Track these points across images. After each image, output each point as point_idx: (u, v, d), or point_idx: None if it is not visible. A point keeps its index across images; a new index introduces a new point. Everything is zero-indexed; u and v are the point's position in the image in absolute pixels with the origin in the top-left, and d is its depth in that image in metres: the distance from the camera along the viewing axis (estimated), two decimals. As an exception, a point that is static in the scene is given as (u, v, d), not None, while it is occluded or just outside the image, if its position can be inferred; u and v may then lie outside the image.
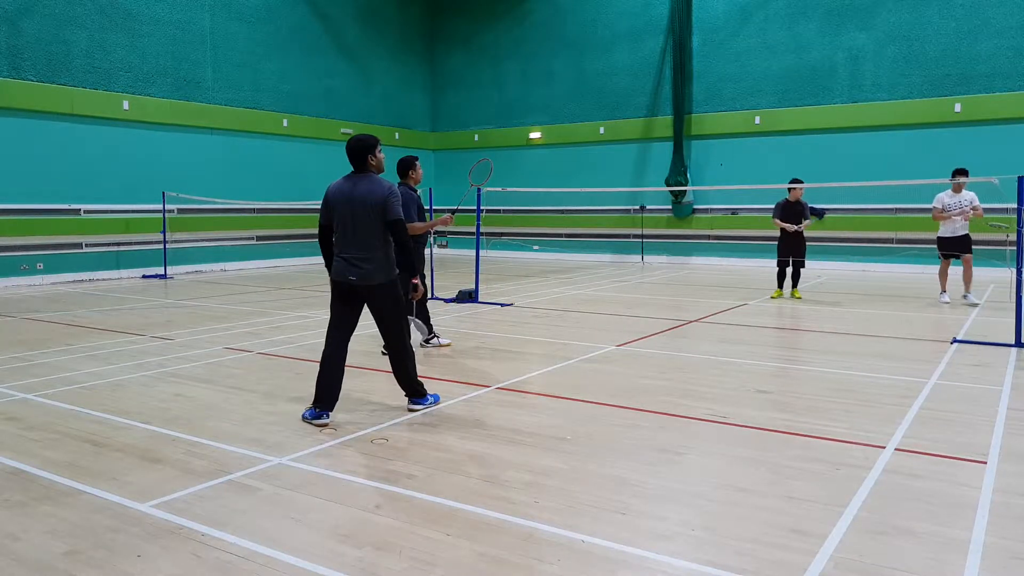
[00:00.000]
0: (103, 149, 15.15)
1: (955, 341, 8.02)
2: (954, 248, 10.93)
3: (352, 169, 5.14)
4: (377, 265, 5.04)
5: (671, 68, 19.31)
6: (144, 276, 15.74)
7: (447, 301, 11.31)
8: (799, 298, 11.78)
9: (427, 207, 10.81)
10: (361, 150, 5.08)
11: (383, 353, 7.27)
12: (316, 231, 5.34)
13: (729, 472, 4.12)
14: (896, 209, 16.67)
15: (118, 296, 12.49)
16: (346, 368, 5.23)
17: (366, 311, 5.26)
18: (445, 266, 17.50)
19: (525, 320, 9.72)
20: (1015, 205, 7.82)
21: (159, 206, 15.83)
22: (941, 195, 11.00)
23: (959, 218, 10.73)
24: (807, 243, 11.85)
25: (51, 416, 5.25)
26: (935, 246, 11.32)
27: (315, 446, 4.58)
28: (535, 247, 20.92)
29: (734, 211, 18.90)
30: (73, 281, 14.66)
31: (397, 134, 22.21)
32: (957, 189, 10.85)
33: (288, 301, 11.68)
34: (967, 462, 4.25)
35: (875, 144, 16.84)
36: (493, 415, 5.25)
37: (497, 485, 3.92)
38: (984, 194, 11.55)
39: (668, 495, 3.79)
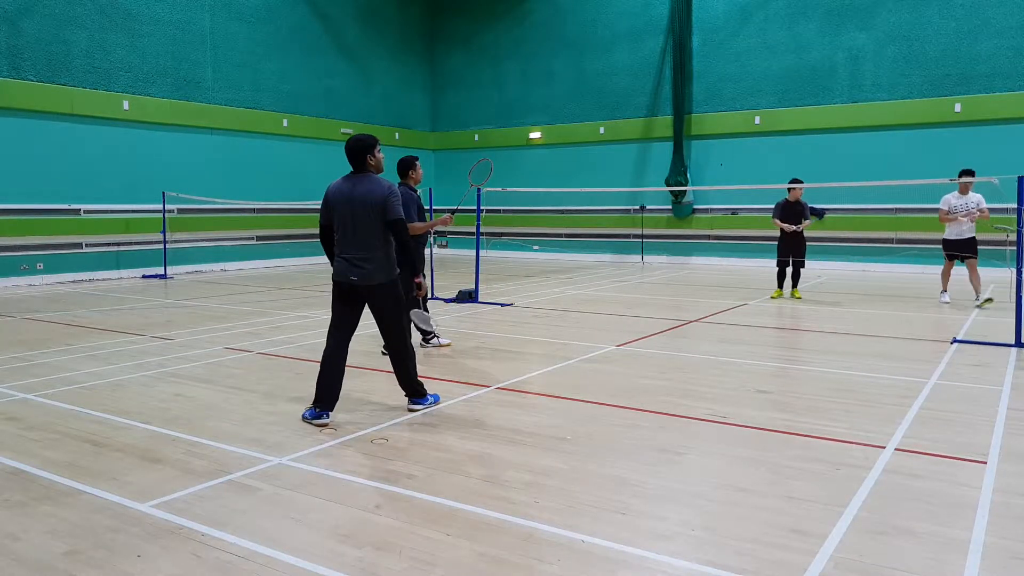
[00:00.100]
0: (103, 149, 15.15)
1: (955, 341, 8.02)
2: (959, 250, 10.79)
3: (351, 169, 5.15)
4: (378, 265, 5.04)
5: (671, 68, 19.31)
6: (144, 276, 15.74)
7: (447, 301, 11.31)
8: (799, 298, 11.78)
9: (427, 207, 10.82)
10: (360, 150, 5.08)
11: (383, 353, 7.27)
12: (316, 231, 5.34)
13: (729, 472, 4.12)
14: (896, 209, 16.68)
15: (118, 296, 12.49)
16: (346, 368, 5.23)
17: (367, 312, 5.26)
18: (445, 266, 17.50)
19: (525, 320, 9.72)
20: (1015, 205, 7.83)
21: (159, 206, 15.83)
22: (948, 196, 10.85)
23: (965, 220, 10.59)
24: (807, 243, 11.85)
25: (51, 416, 5.25)
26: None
27: (315, 446, 4.58)
28: (535, 247, 20.92)
29: (734, 211, 18.90)
30: (73, 281, 14.66)
31: (397, 134, 22.21)
32: (964, 191, 10.68)
33: (288, 301, 11.68)
34: (967, 462, 4.25)
35: (875, 144, 16.84)
36: (493, 415, 5.25)
37: (497, 485, 3.92)
38: (985, 194, 11.54)
39: (668, 495, 3.79)
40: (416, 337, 7.54)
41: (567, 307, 10.94)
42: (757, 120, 18.34)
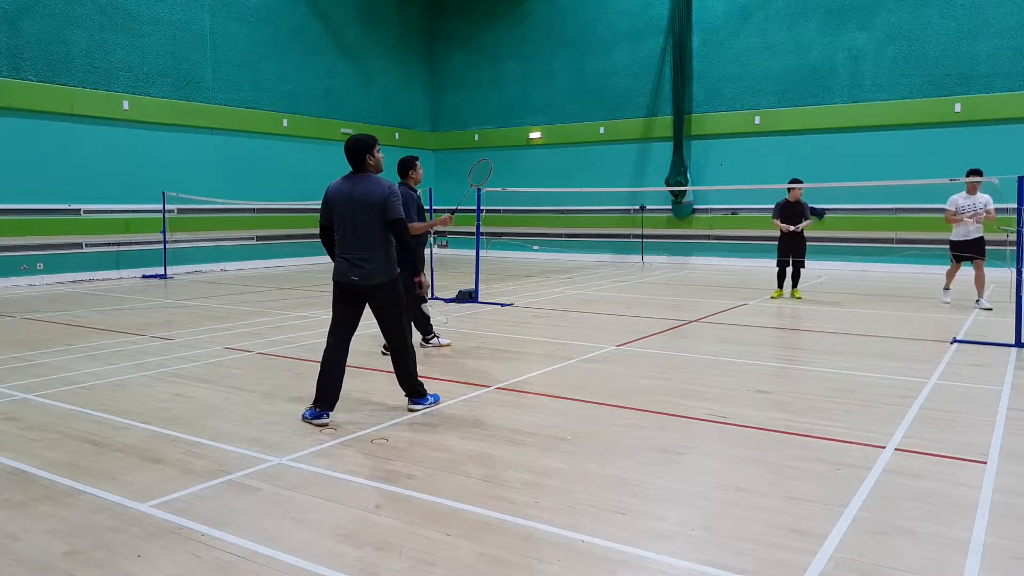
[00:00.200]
0: (103, 149, 15.15)
1: (955, 341, 8.02)
2: (966, 251, 10.53)
3: (351, 169, 5.15)
4: (378, 265, 5.04)
5: (671, 68, 19.31)
6: (144, 276, 15.74)
7: (447, 301, 11.31)
8: (799, 298, 11.78)
9: (427, 207, 10.82)
10: (359, 150, 5.08)
11: (383, 353, 7.28)
12: (316, 231, 5.34)
13: (729, 472, 4.12)
14: (896, 209, 16.67)
15: (118, 296, 12.49)
16: (346, 368, 5.23)
17: (367, 312, 5.26)
18: (445, 266, 17.50)
19: (525, 320, 9.72)
20: (1015, 205, 7.83)
21: (159, 206, 15.83)
22: (955, 197, 10.59)
23: (971, 221, 10.35)
24: (807, 243, 11.85)
25: (51, 416, 5.25)
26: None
27: (315, 446, 4.58)
28: (535, 247, 20.92)
29: (734, 211, 18.90)
30: (73, 281, 14.66)
31: (397, 134, 22.21)
32: (972, 190, 10.43)
33: (288, 301, 11.68)
34: (967, 462, 4.25)
35: (875, 144, 16.84)
36: (493, 415, 5.25)
37: (497, 485, 3.92)
38: (987, 194, 11.52)
39: (668, 495, 3.79)
40: (416, 337, 7.54)
41: (567, 307, 10.94)
42: (757, 120, 18.34)
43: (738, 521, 3.47)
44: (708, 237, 19.31)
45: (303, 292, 13.01)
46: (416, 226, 7.02)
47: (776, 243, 11.90)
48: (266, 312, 10.42)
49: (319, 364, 5.14)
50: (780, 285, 11.99)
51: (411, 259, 5.37)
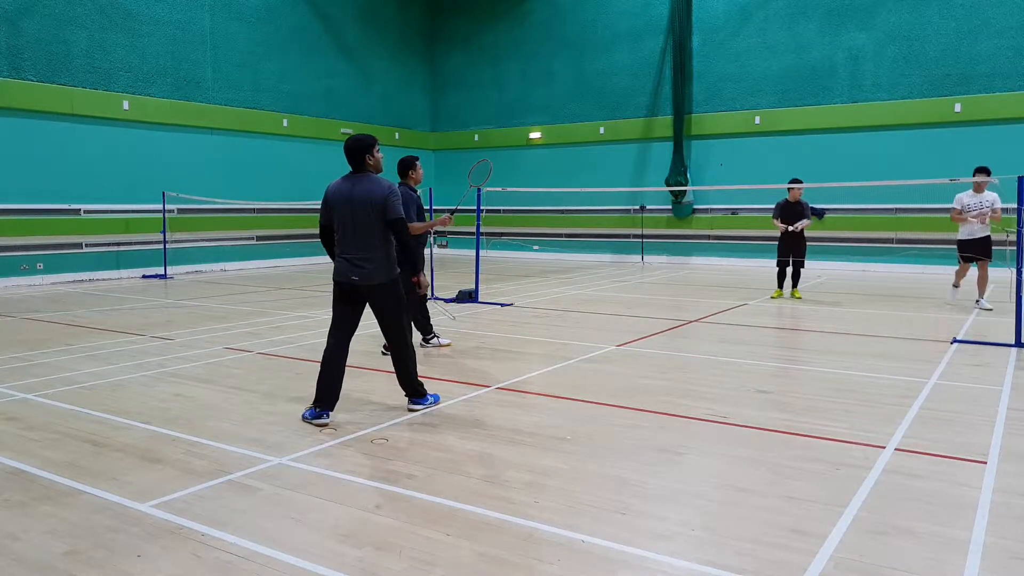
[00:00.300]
0: (103, 149, 15.15)
1: (955, 341, 8.02)
2: (972, 251, 10.41)
3: (351, 169, 5.15)
4: (378, 265, 5.04)
5: (671, 68, 19.31)
6: (144, 276, 15.74)
7: (447, 301, 11.31)
8: (799, 298, 11.78)
9: (427, 207, 10.82)
10: (359, 150, 5.08)
11: (383, 353, 7.28)
12: (316, 231, 5.34)
13: (729, 472, 4.12)
14: (896, 209, 16.67)
15: (118, 296, 12.49)
16: (346, 368, 5.23)
17: (368, 312, 5.26)
18: (445, 266, 17.50)
19: (525, 320, 9.72)
20: (1015, 205, 7.83)
21: (159, 206, 15.83)
22: (961, 195, 10.47)
23: (976, 220, 10.23)
24: (807, 243, 11.85)
25: (51, 416, 5.25)
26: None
27: (315, 446, 4.58)
28: (535, 247, 20.92)
29: (734, 211, 18.90)
30: (73, 281, 14.66)
31: (397, 134, 22.21)
32: (978, 189, 10.30)
33: (288, 301, 11.68)
34: (967, 462, 4.25)
35: (875, 144, 16.84)
36: (493, 415, 5.25)
37: (497, 485, 3.92)
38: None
39: (668, 495, 3.79)
40: (416, 337, 7.54)
41: (567, 307, 10.94)
42: (757, 120, 18.34)
43: (738, 521, 3.47)
44: (708, 237, 19.31)
45: (303, 292, 13.02)
46: (416, 226, 7.02)
47: (776, 243, 11.90)
48: (266, 312, 10.42)
49: (319, 364, 5.14)
50: (780, 285, 11.99)
51: (411, 259, 5.37)
